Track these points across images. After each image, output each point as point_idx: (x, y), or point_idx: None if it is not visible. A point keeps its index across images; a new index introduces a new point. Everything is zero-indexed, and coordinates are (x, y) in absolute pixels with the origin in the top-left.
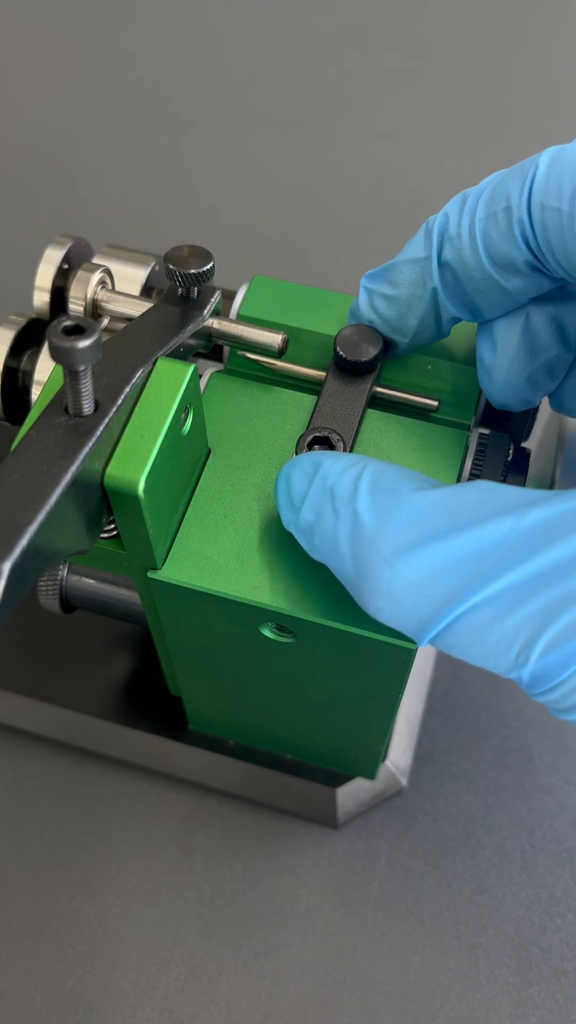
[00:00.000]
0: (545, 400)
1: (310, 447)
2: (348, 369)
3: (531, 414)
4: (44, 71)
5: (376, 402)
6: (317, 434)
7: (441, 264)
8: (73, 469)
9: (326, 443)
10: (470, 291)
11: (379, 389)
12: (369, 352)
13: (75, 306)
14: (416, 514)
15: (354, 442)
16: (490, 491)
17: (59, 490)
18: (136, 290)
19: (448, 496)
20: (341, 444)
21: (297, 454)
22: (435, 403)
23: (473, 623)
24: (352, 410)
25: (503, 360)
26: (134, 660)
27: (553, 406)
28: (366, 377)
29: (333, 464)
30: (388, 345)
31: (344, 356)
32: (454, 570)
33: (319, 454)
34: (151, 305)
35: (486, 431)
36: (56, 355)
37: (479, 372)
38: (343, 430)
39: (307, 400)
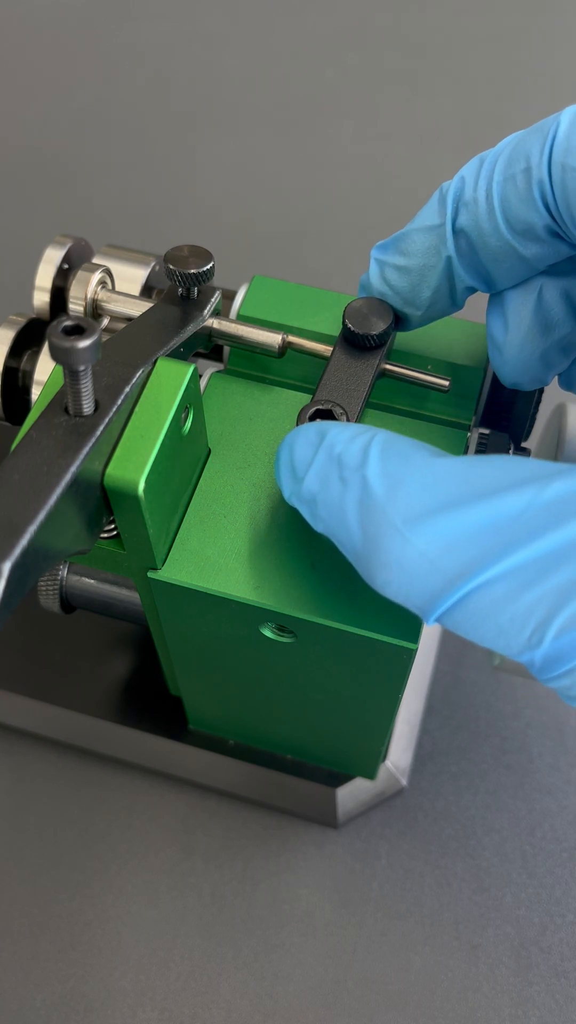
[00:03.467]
0: (545, 400)
1: (312, 420)
2: (357, 343)
3: (531, 414)
4: (44, 71)
5: (384, 380)
6: (320, 406)
7: (456, 231)
8: (73, 469)
9: (329, 416)
10: (485, 259)
11: (388, 367)
12: (379, 326)
13: (75, 306)
14: (430, 482)
15: (359, 418)
16: (509, 462)
17: (59, 490)
18: (136, 290)
19: (465, 465)
20: (345, 417)
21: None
22: (446, 382)
23: (485, 599)
24: (359, 385)
25: (515, 338)
26: (134, 660)
27: (563, 385)
28: (375, 352)
29: (340, 432)
30: (399, 320)
31: (353, 329)
32: (469, 542)
33: (324, 423)
34: (151, 305)
35: (486, 431)
36: (56, 355)
37: (489, 350)
38: (348, 405)
39: (307, 400)
